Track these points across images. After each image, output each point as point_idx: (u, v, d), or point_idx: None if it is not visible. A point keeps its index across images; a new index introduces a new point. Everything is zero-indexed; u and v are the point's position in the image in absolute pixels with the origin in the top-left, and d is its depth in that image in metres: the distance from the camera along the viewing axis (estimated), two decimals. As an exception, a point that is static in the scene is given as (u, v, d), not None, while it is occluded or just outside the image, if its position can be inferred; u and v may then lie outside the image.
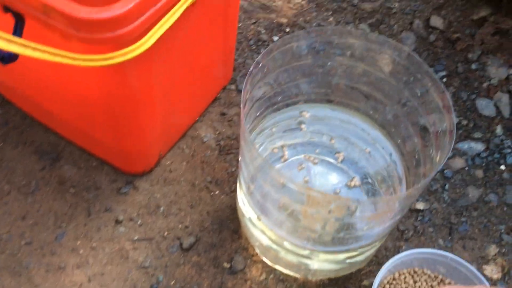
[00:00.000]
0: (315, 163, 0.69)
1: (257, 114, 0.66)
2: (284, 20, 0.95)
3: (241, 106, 0.54)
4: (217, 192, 0.77)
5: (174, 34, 0.59)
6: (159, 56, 0.60)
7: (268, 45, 0.92)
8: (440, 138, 0.55)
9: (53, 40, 0.54)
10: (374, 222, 0.52)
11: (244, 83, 0.54)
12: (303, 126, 0.71)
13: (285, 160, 0.69)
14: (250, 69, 0.54)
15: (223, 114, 0.85)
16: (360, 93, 0.67)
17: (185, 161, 0.80)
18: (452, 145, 0.50)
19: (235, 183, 0.78)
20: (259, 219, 0.60)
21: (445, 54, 0.88)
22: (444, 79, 0.87)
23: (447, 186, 0.79)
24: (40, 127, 0.81)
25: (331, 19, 0.95)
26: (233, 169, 0.79)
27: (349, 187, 0.67)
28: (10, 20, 0.57)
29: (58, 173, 0.77)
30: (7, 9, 0.56)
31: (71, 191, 0.76)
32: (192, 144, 0.81)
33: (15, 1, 0.54)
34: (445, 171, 0.80)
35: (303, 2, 0.97)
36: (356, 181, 0.66)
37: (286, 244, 0.60)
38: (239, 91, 0.88)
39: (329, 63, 0.63)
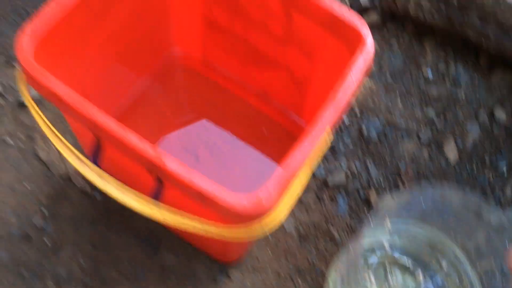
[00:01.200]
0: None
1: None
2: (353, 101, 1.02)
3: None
4: (300, 283, 0.86)
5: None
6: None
7: (341, 129, 0.99)
8: None
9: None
10: None
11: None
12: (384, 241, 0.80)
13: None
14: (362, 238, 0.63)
15: (299, 199, 0.93)
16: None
17: (270, 250, 0.89)
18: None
19: (316, 273, 0.87)
20: None
21: (507, 146, 0.95)
22: (505, 172, 0.95)
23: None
24: (138, 214, 0.90)
25: (398, 102, 1.01)
26: (313, 259, 0.88)
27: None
28: (147, 176, 0.65)
29: (159, 260, 0.86)
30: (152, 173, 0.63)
31: (173, 279, 0.85)
32: (274, 231, 0.90)
33: (164, 174, 0.61)
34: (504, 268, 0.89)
35: (372, 85, 1.03)
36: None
37: None
38: (313, 176, 0.95)
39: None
